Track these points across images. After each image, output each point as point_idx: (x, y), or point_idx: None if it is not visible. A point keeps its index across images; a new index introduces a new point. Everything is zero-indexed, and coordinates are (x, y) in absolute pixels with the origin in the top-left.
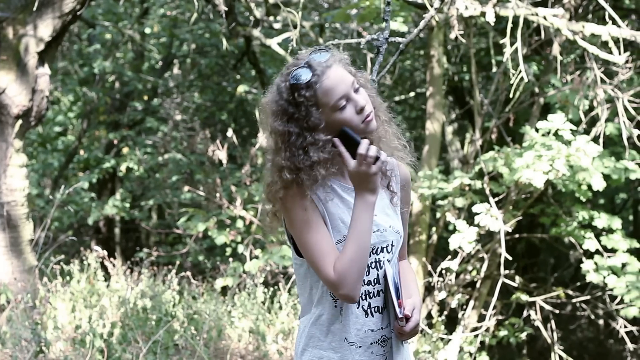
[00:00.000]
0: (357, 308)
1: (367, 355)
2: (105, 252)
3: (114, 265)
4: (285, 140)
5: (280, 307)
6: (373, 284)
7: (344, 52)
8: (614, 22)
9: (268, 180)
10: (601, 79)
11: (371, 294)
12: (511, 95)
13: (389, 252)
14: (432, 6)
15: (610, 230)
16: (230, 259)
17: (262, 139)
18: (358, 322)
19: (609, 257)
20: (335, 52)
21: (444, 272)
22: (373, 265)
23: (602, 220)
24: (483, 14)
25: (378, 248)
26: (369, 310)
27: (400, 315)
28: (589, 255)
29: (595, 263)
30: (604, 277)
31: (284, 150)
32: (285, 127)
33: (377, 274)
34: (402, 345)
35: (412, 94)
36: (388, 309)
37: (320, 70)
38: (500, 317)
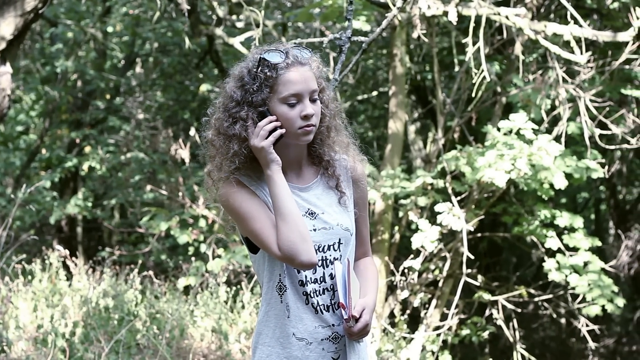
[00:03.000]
0: (307, 304)
1: (318, 351)
2: (67, 252)
3: (76, 264)
4: (225, 103)
5: (243, 307)
6: (319, 282)
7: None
8: (576, 22)
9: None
10: (563, 78)
11: (318, 292)
12: (473, 95)
13: (335, 250)
14: (394, 5)
15: (572, 229)
16: (193, 258)
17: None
18: (307, 318)
19: (570, 255)
20: (316, 59)
21: (406, 271)
22: (320, 263)
23: (564, 219)
24: (445, 14)
25: (325, 246)
26: (318, 307)
27: (345, 317)
28: (551, 254)
29: (557, 262)
30: (566, 276)
31: (220, 111)
32: (232, 91)
33: (324, 272)
34: (357, 343)
35: (374, 93)
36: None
37: (291, 62)
38: (462, 316)
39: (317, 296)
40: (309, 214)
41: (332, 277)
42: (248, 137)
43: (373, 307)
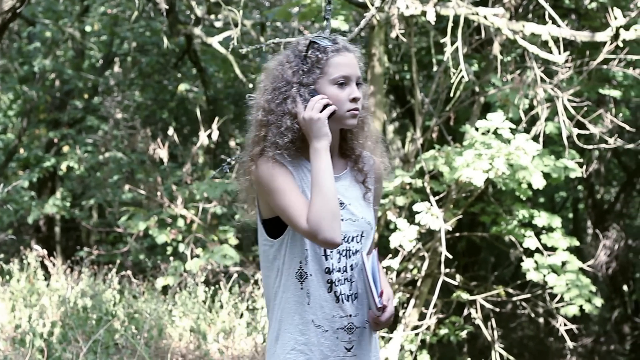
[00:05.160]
0: (329, 292)
1: (332, 340)
2: (45, 251)
3: (54, 264)
4: (274, 82)
5: (222, 306)
6: (342, 272)
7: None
8: (554, 22)
9: (246, 145)
10: (541, 78)
11: (341, 281)
12: (452, 94)
13: (358, 242)
14: (373, 5)
15: (550, 229)
16: (171, 258)
17: (203, 137)
18: (328, 307)
19: (549, 255)
20: (359, 52)
21: (384, 270)
22: (344, 253)
23: (542, 218)
24: (424, 13)
25: (349, 237)
26: (340, 296)
27: (379, 305)
28: (529, 253)
29: (536, 261)
30: (544, 276)
31: (269, 91)
32: (281, 72)
33: (347, 262)
34: (371, 335)
35: None
36: (359, 298)
37: (340, 47)
38: (440, 316)
39: (340, 285)
40: (339, 203)
41: (352, 268)
42: (298, 113)
43: (393, 298)
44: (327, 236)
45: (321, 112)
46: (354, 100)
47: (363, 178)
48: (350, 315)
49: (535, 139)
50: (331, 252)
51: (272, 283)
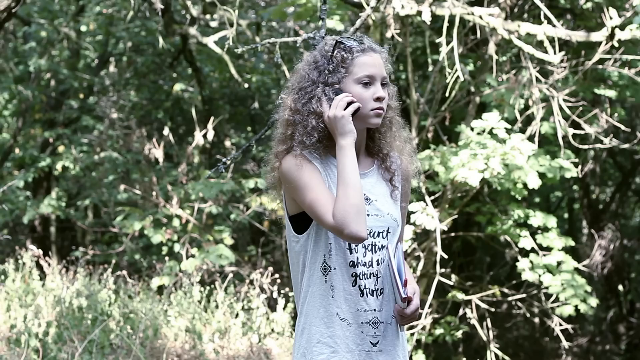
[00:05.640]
0: (354, 286)
1: (357, 334)
2: (40, 251)
3: (49, 264)
4: (301, 82)
5: (217, 306)
6: (367, 266)
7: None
8: (549, 22)
9: (273, 142)
10: (536, 78)
11: (366, 275)
12: (447, 94)
13: (384, 238)
14: (368, 5)
15: (545, 229)
16: (167, 258)
17: (199, 137)
18: (352, 300)
19: (544, 255)
20: (386, 52)
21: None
22: (370, 248)
23: (537, 218)
24: (419, 13)
25: (375, 232)
26: (364, 290)
27: (404, 296)
28: (525, 253)
29: (531, 261)
30: (540, 276)
31: (296, 91)
32: (308, 72)
33: (372, 257)
34: (397, 332)
35: None
36: (384, 293)
37: (366, 47)
38: (436, 316)
39: (365, 279)
40: (364, 198)
41: (378, 263)
42: (323, 112)
43: (419, 294)
44: (352, 230)
45: (345, 109)
46: (378, 99)
47: (390, 176)
48: (375, 310)
49: (531, 138)
50: (356, 246)
51: (299, 278)
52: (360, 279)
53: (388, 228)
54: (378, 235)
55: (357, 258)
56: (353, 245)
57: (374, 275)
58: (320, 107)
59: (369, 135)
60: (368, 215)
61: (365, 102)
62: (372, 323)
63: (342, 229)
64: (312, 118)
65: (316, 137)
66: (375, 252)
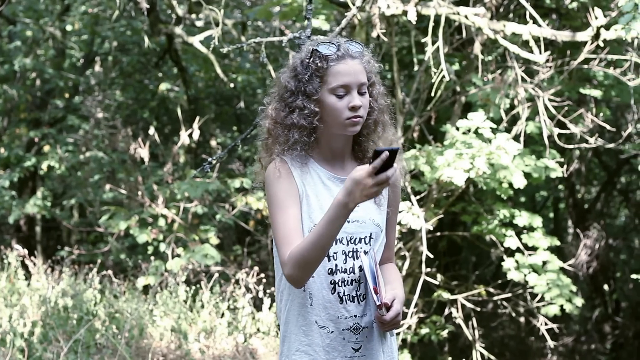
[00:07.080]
0: (333, 293)
1: (338, 340)
2: (25, 251)
3: (34, 263)
4: (281, 93)
5: (203, 306)
6: (348, 273)
7: (369, 54)
8: (535, 22)
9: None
10: (522, 77)
11: (346, 282)
12: (433, 94)
13: (366, 244)
14: (354, 4)
15: (531, 229)
16: (152, 258)
17: (184, 137)
18: (331, 307)
19: (529, 255)
20: (368, 54)
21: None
22: (350, 254)
23: (523, 218)
24: (405, 13)
25: (356, 238)
26: (343, 297)
27: (377, 303)
28: (510, 253)
29: (516, 261)
30: (525, 275)
31: (276, 101)
32: (287, 82)
33: (353, 264)
34: (382, 336)
35: None
36: (367, 299)
37: (342, 54)
38: (421, 315)
39: (344, 286)
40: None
41: (361, 269)
42: (307, 129)
43: (403, 299)
44: (294, 276)
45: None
46: (353, 108)
47: None
48: (356, 316)
49: (516, 138)
50: (335, 252)
51: (279, 286)
52: (339, 286)
53: (370, 234)
54: (360, 242)
55: (336, 265)
56: (332, 252)
57: (355, 282)
58: (302, 121)
59: (354, 138)
60: (349, 221)
61: (339, 112)
62: (354, 329)
63: (286, 267)
64: (294, 131)
65: (298, 150)
66: (357, 258)
